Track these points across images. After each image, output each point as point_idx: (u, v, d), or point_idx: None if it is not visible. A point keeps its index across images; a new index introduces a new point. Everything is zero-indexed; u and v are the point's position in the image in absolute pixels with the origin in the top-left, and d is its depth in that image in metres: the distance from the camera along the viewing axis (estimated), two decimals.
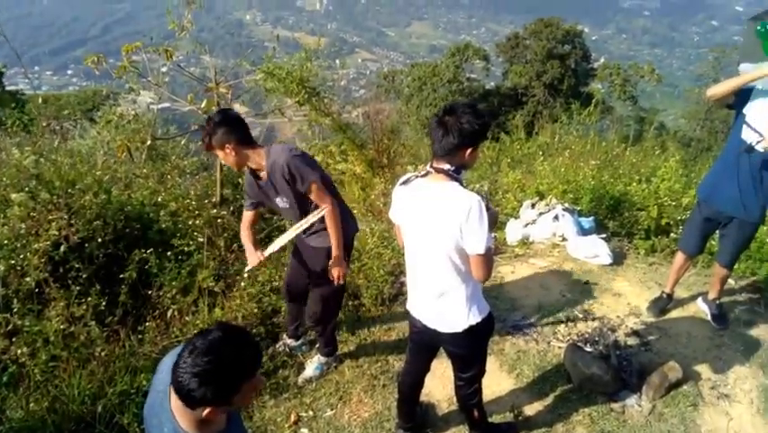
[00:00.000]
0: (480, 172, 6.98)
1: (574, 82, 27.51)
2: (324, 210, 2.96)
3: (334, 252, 3.07)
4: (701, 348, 3.78)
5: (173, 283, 3.83)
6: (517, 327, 3.91)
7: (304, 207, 3.03)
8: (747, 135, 3.30)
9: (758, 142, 3.24)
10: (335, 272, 3.12)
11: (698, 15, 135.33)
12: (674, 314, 4.12)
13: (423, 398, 3.15)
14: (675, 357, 3.60)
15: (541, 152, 7.52)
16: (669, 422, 3.18)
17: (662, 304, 4.12)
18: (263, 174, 2.96)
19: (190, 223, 4.27)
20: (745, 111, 3.29)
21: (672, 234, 5.11)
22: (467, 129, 2.11)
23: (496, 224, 2.49)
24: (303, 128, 7.68)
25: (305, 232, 3.12)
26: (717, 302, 4.07)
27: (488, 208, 2.31)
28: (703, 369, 3.61)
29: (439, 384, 3.38)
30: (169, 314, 3.75)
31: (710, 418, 3.25)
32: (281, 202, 3.05)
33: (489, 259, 2.21)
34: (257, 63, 6.78)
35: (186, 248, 4.02)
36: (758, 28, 3.19)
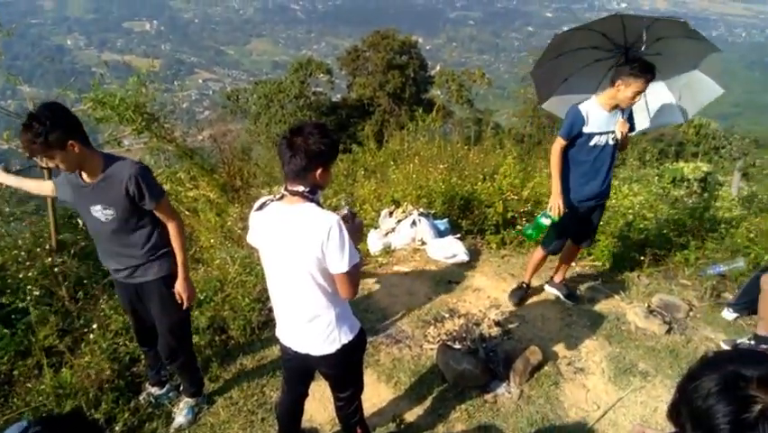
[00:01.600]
0: (335, 186, 7.01)
1: (415, 90, 28.90)
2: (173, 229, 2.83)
3: (181, 273, 2.89)
4: (555, 329, 4.11)
5: (7, 347, 3.37)
6: (390, 335, 3.97)
7: (129, 225, 2.76)
8: (599, 140, 3.72)
9: (614, 138, 3.72)
10: (184, 295, 2.93)
11: (515, 23, 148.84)
12: (528, 301, 4.44)
13: (304, 424, 3.07)
14: (534, 341, 3.88)
15: (393, 160, 7.73)
16: (536, 403, 3.41)
17: (521, 293, 4.42)
18: (89, 180, 2.66)
19: (21, 276, 3.80)
20: (589, 131, 3.67)
21: (518, 226, 5.50)
22: (315, 149, 2.09)
23: (362, 231, 2.48)
24: (145, 157, 7.18)
25: (133, 273, 2.90)
26: (564, 283, 4.48)
27: (353, 217, 2.32)
28: (559, 348, 3.92)
29: (320, 407, 3.31)
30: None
31: (571, 393, 3.53)
32: (100, 213, 2.72)
33: (354, 275, 2.19)
34: (84, 91, 6.23)
35: (19, 305, 3.56)
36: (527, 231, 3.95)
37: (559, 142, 3.75)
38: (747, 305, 4.36)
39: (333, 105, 28.71)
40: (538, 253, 4.29)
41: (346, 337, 2.37)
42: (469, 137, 13.01)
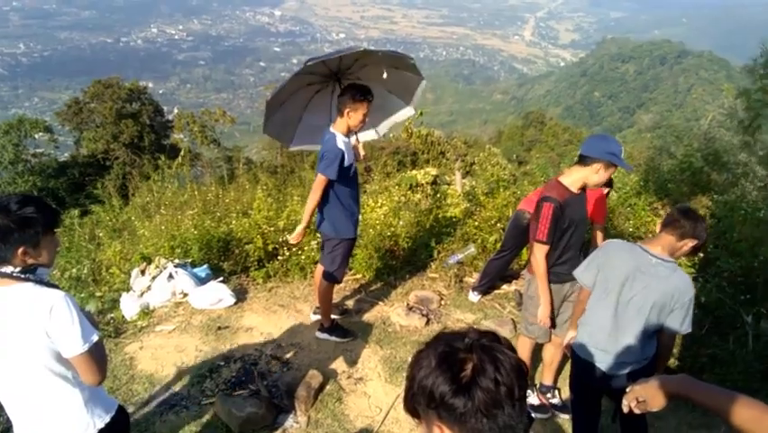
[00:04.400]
0: (75, 253, 6.26)
1: (155, 137, 27.43)
2: None
3: None
4: (330, 348, 4.24)
5: None
6: (163, 401, 3.66)
7: None
8: (354, 168, 3.96)
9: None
10: None
11: (247, 59, 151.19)
12: (300, 328, 4.51)
13: None
14: (313, 365, 3.96)
15: (136, 215, 7.22)
16: (324, 424, 3.47)
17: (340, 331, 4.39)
18: None
19: None
20: (348, 163, 3.81)
21: (279, 257, 5.55)
22: (16, 226, 1.85)
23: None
24: None
25: None
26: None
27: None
28: (337, 364, 4.06)
29: None
30: None
31: (354, 404, 3.67)
32: None
33: (96, 355, 1.95)
34: None
35: None
36: None
37: (324, 181, 3.76)
38: (487, 286, 5.05)
39: (62, 166, 25.65)
40: (329, 286, 4.22)
41: (102, 421, 2.12)
42: (222, 177, 12.79)
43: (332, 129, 3.84)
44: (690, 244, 2.62)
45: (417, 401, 1.13)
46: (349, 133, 3.87)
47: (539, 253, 3.28)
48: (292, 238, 4.04)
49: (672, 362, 4.05)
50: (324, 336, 4.33)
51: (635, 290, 2.66)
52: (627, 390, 1.80)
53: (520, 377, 1.09)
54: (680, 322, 2.64)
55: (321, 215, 4.03)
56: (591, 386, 2.97)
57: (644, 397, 1.73)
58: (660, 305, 2.63)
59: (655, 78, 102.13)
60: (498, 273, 5.02)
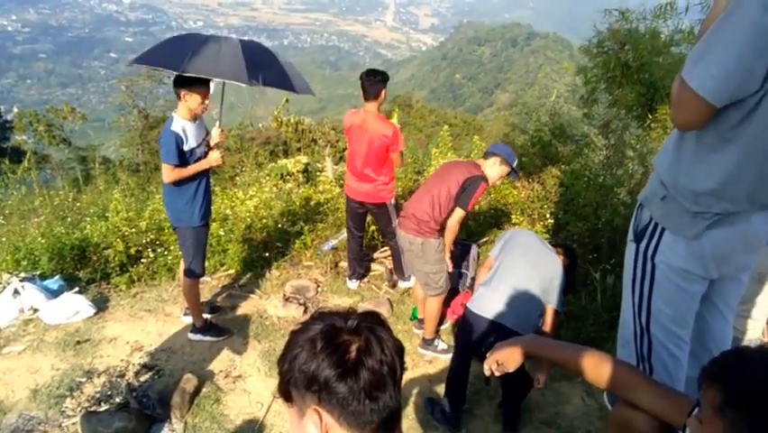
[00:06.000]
0: None
1: None
2: None
3: None
4: (204, 348, 4.06)
5: None
6: (16, 429, 3.31)
7: None
8: (200, 154, 3.84)
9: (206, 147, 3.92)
10: None
11: (95, 50, 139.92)
12: (172, 331, 4.27)
13: None
14: (187, 369, 3.77)
15: None
16: (203, 427, 3.33)
17: (213, 331, 4.24)
18: None
19: None
20: (189, 147, 3.72)
21: (143, 259, 5.23)
22: None
23: None
24: None
25: None
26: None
27: None
28: (214, 365, 3.91)
29: None
30: None
31: (234, 403, 3.56)
32: None
33: None
34: None
35: None
36: None
37: (169, 168, 3.63)
38: (359, 271, 5.10)
39: None
40: (192, 282, 4.03)
41: None
42: (76, 179, 11.80)
43: (173, 113, 3.72)
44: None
45: (295, 385, 1.06)
46: (196, 117, 3.73)
47: (460, 218, 3.79)
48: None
49: None
50: (198, 336, 4.15)
51: (533, 261, 3.33)
52: (488, 355, 1.91)
53: (401, 357, 1.10)
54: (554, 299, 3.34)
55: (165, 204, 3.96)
56: (476, 344, 3.20)
57: (502, 360, 1.84)
58: (541, 278, 3.28)
59: (509, 59, 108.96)
60: (360, 255, 5.07)
